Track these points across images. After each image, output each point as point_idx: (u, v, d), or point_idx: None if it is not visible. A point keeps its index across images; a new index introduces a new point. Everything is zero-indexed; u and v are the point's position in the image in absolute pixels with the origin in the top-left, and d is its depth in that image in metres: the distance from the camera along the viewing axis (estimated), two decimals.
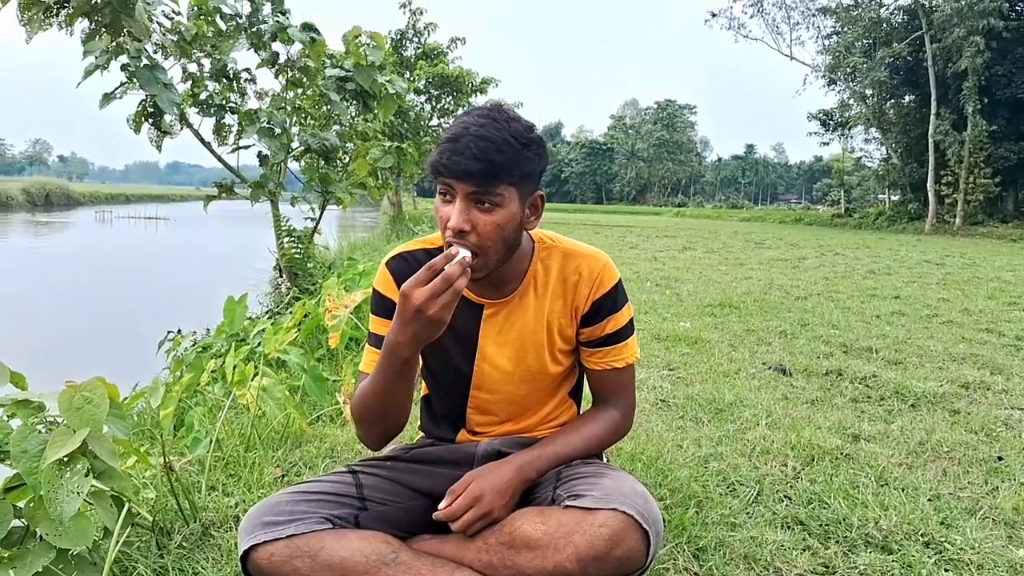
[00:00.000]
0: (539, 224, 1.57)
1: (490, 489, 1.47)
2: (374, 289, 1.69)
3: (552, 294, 1.62)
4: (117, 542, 1.58)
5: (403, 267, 1.64)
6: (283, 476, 2.43)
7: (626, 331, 1.66)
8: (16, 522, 1.53)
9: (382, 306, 1.67)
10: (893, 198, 37.06)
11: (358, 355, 3.69)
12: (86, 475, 1.46)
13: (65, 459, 1.46)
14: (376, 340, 1.67)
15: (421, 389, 1.87)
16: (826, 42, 37.66)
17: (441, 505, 1.48)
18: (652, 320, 5.67)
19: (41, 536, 1.49)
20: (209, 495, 2.23)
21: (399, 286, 1.59)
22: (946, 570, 1.85)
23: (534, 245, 1.64)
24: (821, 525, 2.10)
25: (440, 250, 1.62)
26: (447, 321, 1.35)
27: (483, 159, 1.36)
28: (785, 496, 2.31)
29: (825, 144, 45.07)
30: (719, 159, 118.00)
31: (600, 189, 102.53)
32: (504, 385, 1.66)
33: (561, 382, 1.74)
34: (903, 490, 2.37)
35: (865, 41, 34.17)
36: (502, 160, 1.38)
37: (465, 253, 1.36)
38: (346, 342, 3.54)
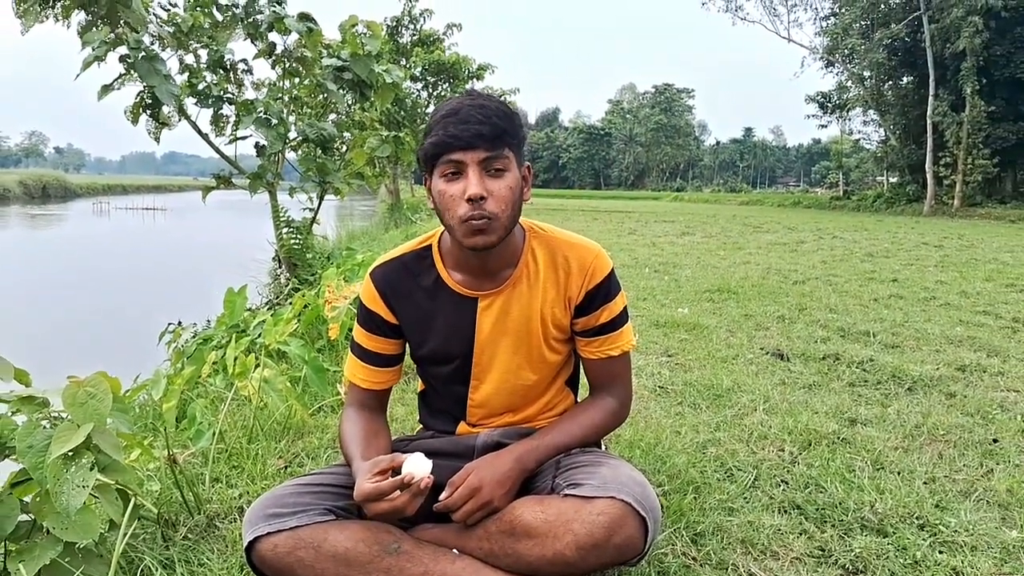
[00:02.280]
0: (532, 200, 1.61)
1: (489, 480, 1.48)
2: (358, 299, 1.69)
3: (544, 282, 1.63)
4: (124, 535, 1.59)
5: (390, 275, 1.65)
6: (286, 467, 2.45)
7: (620, 319, 1.67)
8: (23, 516, 1.55)
9: (367, 319, 1.68)
10: (891, 180, 36.95)
11: None
12: (91, 469, 1.48)
13: (70, 453, 1.47)
14: (360, 351, 1.69)
15: (417, 385, 1.89)
16: (824, 23, 37.46)
17: (441, 497, 1.49)
18: (650, 306, 5.67)
19: (48, 530, 1.51)
20: (213, 487, 2.25)
21: (385, 298, 1.64)
22: (940, 552, 1.87)
23: (525, 234, 1.65)
24: (818, 509, 2.12)
25: (428, 251, 1.64)
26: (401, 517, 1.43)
27: (489, 122, 1.43)
28: (782, 481, 2.33)
29: (823, 127, 45.05)
30: (717, 143, 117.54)
31: (598, 175, 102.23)
32: (503, 375, 1.67)
33: (558, 371, 1.75)
34: (899, 473, 2.40)
35: (863, 22, 33.94)
36: (503, 124, 1.45)
37: (423, 474, 1.39)
38: (346, 333, 3.54)
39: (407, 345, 1.72)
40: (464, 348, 1.65)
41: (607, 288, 1.63)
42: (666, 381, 3.54)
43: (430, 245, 1.66)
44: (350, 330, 3.75)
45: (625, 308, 1.69)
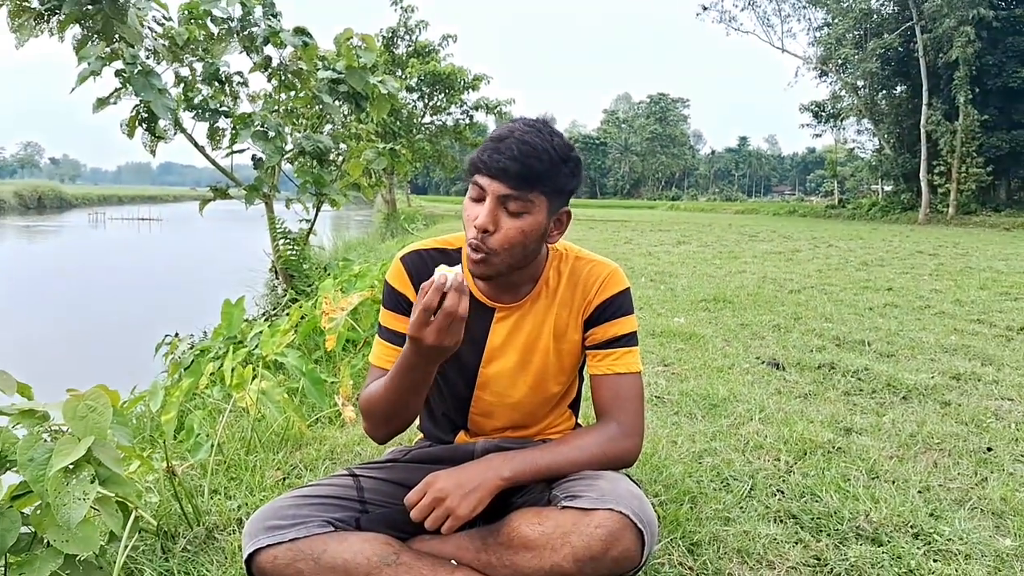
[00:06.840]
0: (560, 237, 1.61)
1: (454, 488, 1.47)
2: (386, 282, 1.70)
3: (561, 300, 1.66)
4: (124, 547, 1.61)
5: (418, 263, 1.67)
6: (284, 479, 2.47)
7: (629, 339, 1.67)
8: (24, 529, 1.56)
9: (395, 301, 1.68)
10: (886, 188, 37.05)
11: (355, 357, 3.72)
12: (92, 482, 1.49)
13: (71, 467, 1.48)
14: (387, 333, 1.68)
15: None
16: (817, 34, 37.75)
17: (407, 499, 1.49)
18: (647, 316, 5.71)
19: (49, 542, 1.52)
20: (212, 499, 2.26)
21: (414, 282, 1.65)
22: (935, 560, 1.90)
23: (548, 252, 1.68)
24: (813, 518, 2.14)
25: (457, 252, 1.68)
26: (460, 339, 1.40)
27: (521, 161, 1.42)
28: (778, 490, 2.35)
29: (818, 136, 44.78)
30: (712, 152, 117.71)
31: (594, 184, 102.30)
32: (508, 388, 1.69)
33: (564, 392, 1.77)
34: (893, 482, 2.42)
35: (856, 32, 34.12)
36: (539, 168, 1.44)
37: (454, 272, 1.37)
38: (343, 344, 3.58)
39: None
40: (474, 356, 1.68)
41: (619, 304, 1.66)
42: (663, 391, 3.55)
43: (460, 248, 1.68)
44: (348, 341, 3.83)
45: (635, 333, 1.68)
